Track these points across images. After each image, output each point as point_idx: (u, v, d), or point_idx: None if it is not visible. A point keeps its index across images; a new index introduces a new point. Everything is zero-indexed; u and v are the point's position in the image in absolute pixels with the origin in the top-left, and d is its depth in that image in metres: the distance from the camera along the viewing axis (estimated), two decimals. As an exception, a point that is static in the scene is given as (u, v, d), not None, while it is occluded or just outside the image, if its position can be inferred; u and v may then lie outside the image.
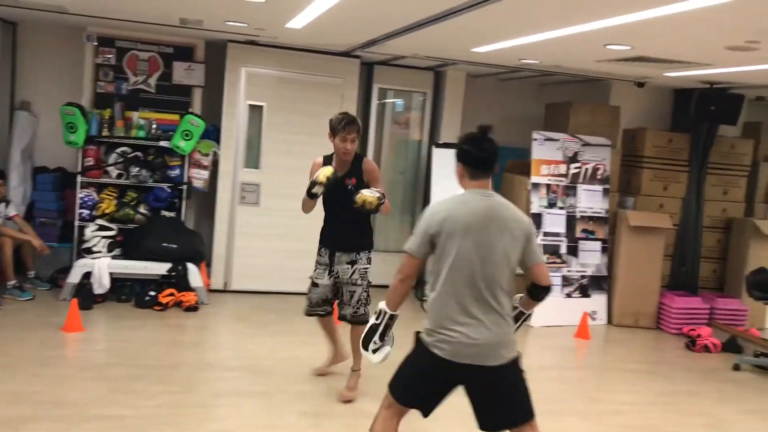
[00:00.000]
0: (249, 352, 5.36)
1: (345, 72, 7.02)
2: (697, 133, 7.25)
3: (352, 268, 4.40)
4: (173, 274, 6.37)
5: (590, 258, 7.15)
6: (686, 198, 7.33)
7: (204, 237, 7.08)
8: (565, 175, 7.12)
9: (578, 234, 7.11)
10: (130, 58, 6.80)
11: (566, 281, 7.04)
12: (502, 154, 8.12)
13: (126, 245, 6.51)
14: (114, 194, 6.76)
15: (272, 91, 6.94)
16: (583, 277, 7.10)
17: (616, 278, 7.13)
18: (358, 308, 4.44)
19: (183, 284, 6.36)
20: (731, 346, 6.47)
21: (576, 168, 7.13)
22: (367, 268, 4.45)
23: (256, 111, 6.96)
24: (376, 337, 3.17)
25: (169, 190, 6.84)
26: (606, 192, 7.20)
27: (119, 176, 6.72)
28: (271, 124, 6.95)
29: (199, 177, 6.92)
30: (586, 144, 7.16)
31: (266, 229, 6.98)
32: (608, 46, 4.94)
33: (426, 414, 3.05)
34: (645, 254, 7.06)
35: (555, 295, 6.96)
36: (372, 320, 3.19)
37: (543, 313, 6.81)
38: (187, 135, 6.67)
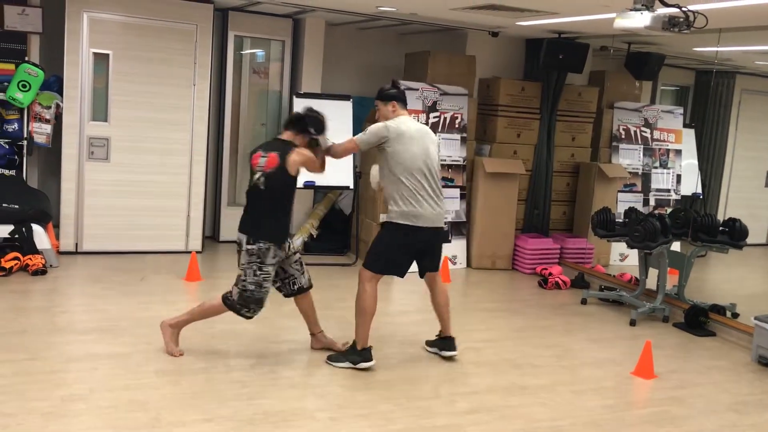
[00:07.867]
0: (104, 313, 5.11)
1: (197, 18, 6.69)
2: (547, 81, 7.57)
3: (291, 240, 4.51)
4: (16, 236, 5.93)
5: (450, 205, 7.33)
6: (538, 144, 7.67)
7: (51, 196, 6.62)
8: (425, 124, 7.20)
9: (438, 181, 7.27)
10: (-49, 1, 6.16)
11: (428, 228, 7.19)
12: (363, 104, 8.13)
13: (-40, 208, 5.98)
14: (-58, 152, 6.18)
15: (119, 38, 6.50)
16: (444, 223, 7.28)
17: (474, 223, 7.39)
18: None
19: (28, 247, 5.95)
20: (579, 283, 6.93)
21: (435, 117, 7.25)
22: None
23: (101, 60, 6.51)
24: None
25: (7, 147, 6.34)
26: (464, 140, 7.39)
27: (-53, 132, 6.15)
28: (119, 74, 6.53)
29: (40, 131, 6.43)
30: (445, 93, 7.28)
31: (118, 186, 6.63)
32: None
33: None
34: (501, 199, 7.36)
35: (417, 241, 7.12)
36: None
37: (406, 260, 6.98)
38: (24, 86, 6.17)
